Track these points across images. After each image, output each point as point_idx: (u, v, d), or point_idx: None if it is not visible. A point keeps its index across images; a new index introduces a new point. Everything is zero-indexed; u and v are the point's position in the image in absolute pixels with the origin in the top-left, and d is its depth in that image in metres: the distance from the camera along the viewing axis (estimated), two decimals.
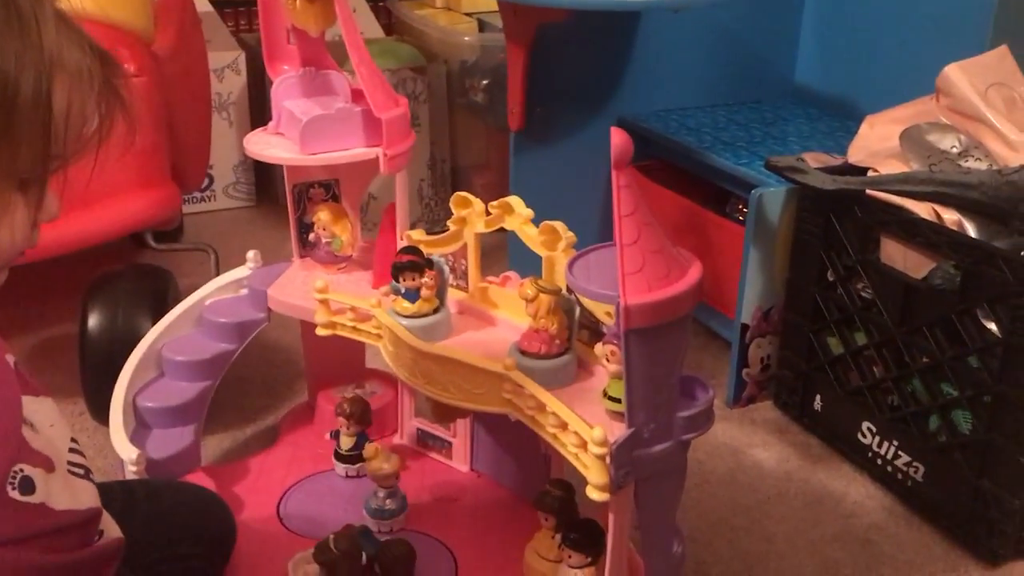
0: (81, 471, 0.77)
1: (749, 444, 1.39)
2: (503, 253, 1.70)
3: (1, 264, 0.66)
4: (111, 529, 0.81)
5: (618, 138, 0.82)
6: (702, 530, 1.19)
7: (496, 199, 1.06)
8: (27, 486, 0.69)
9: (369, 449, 1.11)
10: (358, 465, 1.19)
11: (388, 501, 1.11)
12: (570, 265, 0.89)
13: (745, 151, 1.58)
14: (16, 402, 0.71)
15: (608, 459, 0.84)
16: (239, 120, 2.27)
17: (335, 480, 1.20)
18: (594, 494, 0.86)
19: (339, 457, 1.20)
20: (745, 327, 1.44)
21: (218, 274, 1.40)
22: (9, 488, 0.68)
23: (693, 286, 0.84)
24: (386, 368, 1.36)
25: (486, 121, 2.15)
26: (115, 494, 0.88)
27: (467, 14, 2.28)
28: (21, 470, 0.69)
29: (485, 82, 2.09)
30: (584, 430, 0.87)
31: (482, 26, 2.22)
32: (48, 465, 0.72)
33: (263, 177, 2.33)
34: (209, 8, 2.29)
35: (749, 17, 1.83)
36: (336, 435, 1.21)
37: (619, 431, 0.87)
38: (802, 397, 1.42)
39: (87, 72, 0.64)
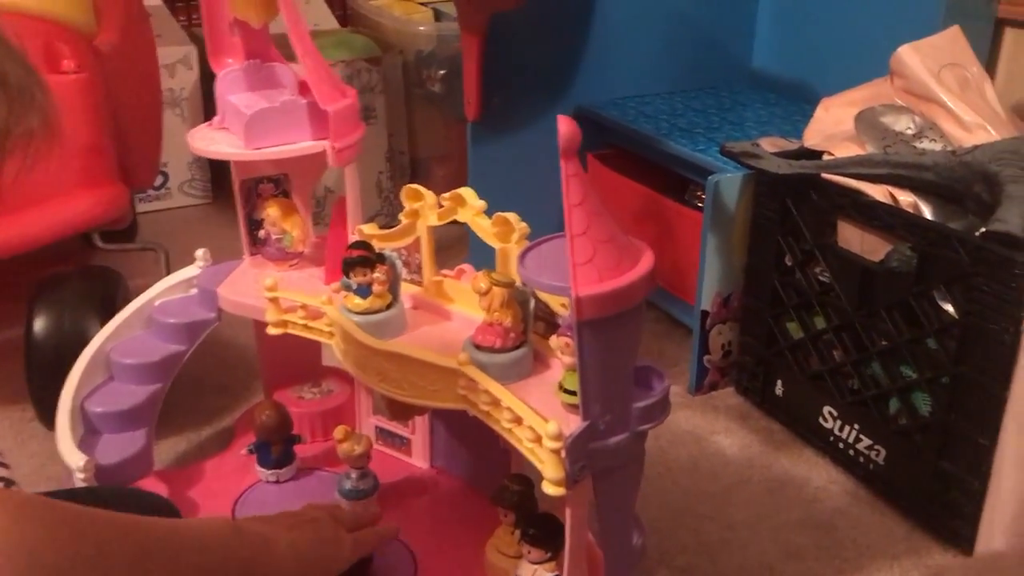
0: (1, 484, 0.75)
1: (711, 431, 1.38)
2: (464, 246, 1.68)
3: None
4: None
5: (565, 126, 0.80)
6: (665, 519, 1.19)
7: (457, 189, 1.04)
8: None
9: (339, 431, 1.10)
10: (286, 468, 1.17)
11: (361, 482, 1.11)
12: (522, 257, 0.87)
13: (702, 137, 1.57)
14: None
15: (563, 453, 0.83)
16: (193, 116, 2.23)
17: (291, 482, 1.18)
18: (550, 489, 0.84)
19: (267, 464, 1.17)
20: (705, 314, 1.43)
21: (168, 274, 1.37)
22: None
23: (645, 275, 0.83)
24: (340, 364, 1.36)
25: (444, 112, 2.12)
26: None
27: (422, 3, 2.25)
28: None
29: (442, 72, 2.06)
30: (539, 424, 0.85)
31: (438, 15, 2.20)
32: None
33: (219, 174, 2.29)
34: (158, 2, 2.24)
35: (705, 2, 1.82)
36: (256, 449, 1.17)
37: (575, 424, 0.85)
38: (763, 383, 1.41)
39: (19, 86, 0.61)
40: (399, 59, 2.11)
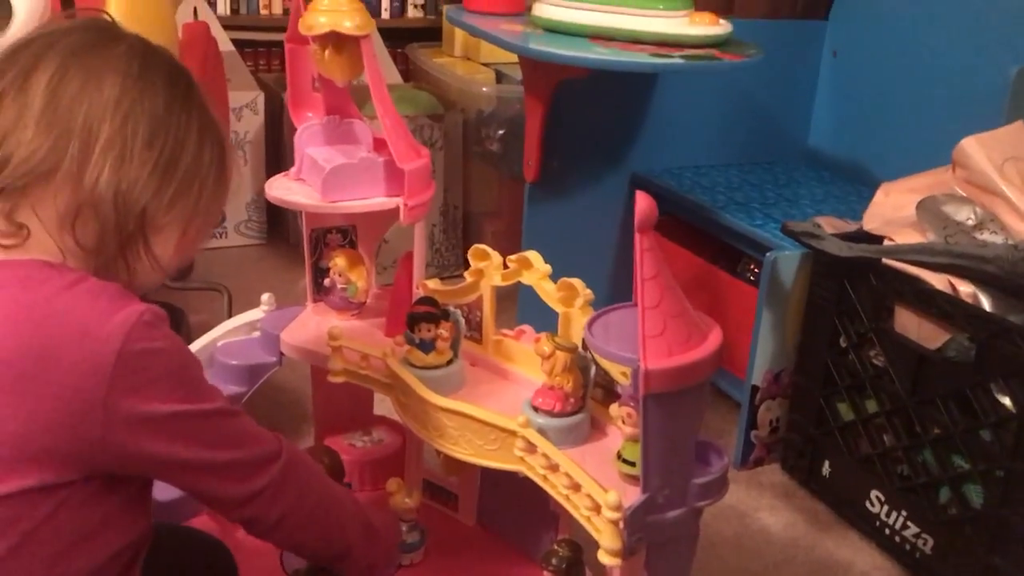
0: None
1: (756, 508, 1.37)
2: (511, 303, 1.70)
3: (159, 283, 0.81)
4: None
5: (643, 202, 0.83)
6: None
7: (507, 247, 1.07)
8: None
9: (392, 483, 1.12)
10: None
11: (410, 535, 1.13)
12: (589, 324, 0.89)
13: (759, 212, 1.59)
14: None
15: (622, 524, 0.84)
16: (254, 159, 2.29)
17: None
18: (606, 559, 0.85)
19: None
20: (755, 389, 1.43)
21: (230, 313, 1.41)
22: None
23: (713, 352, 0.84)
24: (394, 415, 1.37)
25: (500, 170, 2.16)
26: None
27: (485, 64, 2.30)
28: None
29: (501, 132, 2.11)
30: (598, 493, 0.86)
31: (499, 77, 2.25)
32: None
33: (275, 216, 2.35)
34: (231, 47, 2.31)
35: (765, 79, 1.85)
36: None
37: (632, 495, 0.86)
38: (810, 462, 1.41)
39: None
40: (460, 117, 2.16)
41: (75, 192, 0.72)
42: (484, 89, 2.15)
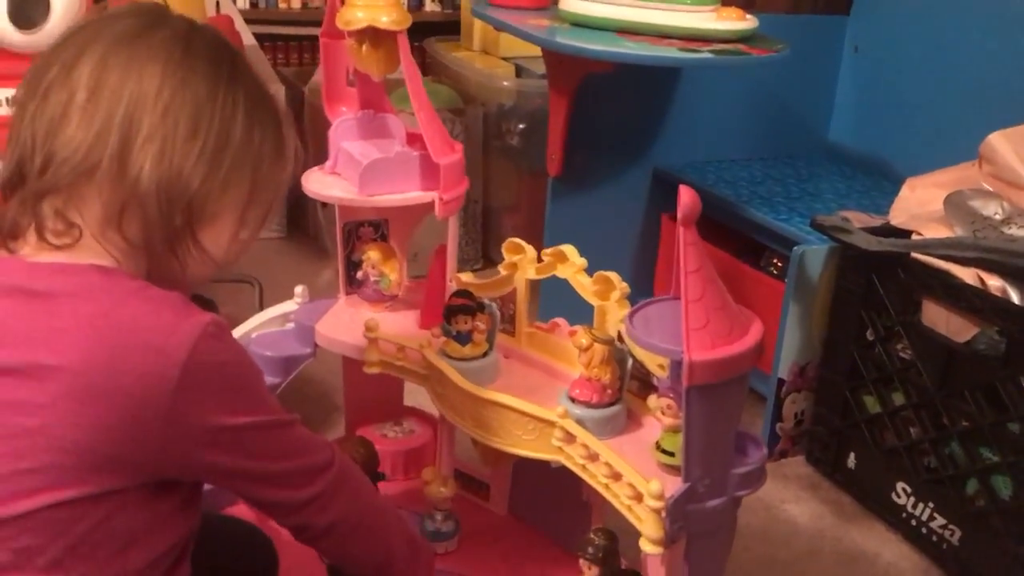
0: None
1: (782, 499, 1.39)
2: (533, 296, 1.71)
3: (214, 274, 0.79)
4: None
5: (687, 196, 0.84)
6: None
7: (526, 241, 1.08)
8: None
9: (428, 472, 1.13)
10: None
11: (444, 524, 1.15)
12: (630, 317, 0.90)
13: (783, 207, 1.60)
14: None
15: (664, 513, 0.85)
16: None
17: None
18: (648, 547, 0.86)
19: None
20: (781, 382, 1.44)
21: (261, 306, 1.42)
22: None
23: (754, 345, 0.85)
24: (423, 407, 1.39)
25: (519, 165, 2.17)
26: None
27: (504, 58, 2.31)
28: None
29: (521, 126, 2.12)
30: (640, 483, 0.87)
31: (519, 71, 2.26)
32: None
33: (296, 210, 2.36)
34: (253, 41, 2.33)
35: (786, 74, 1.86)
36: None
37: (672, 484, 0.88)
38: (836, 454, 1.42)
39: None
40: (480, 111, 2.17)
41: (118, 188, 0.71)
42: (504, 83, 2.16)
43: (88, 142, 0.70)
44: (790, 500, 1.39)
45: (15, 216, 0.72)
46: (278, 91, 2.27)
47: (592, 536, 1.06)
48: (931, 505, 1.27)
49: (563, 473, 1.08)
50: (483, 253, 2.26)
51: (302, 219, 2.36)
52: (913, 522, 1.29)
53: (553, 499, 1.20)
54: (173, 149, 0.72)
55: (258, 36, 2.45)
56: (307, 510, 0.81)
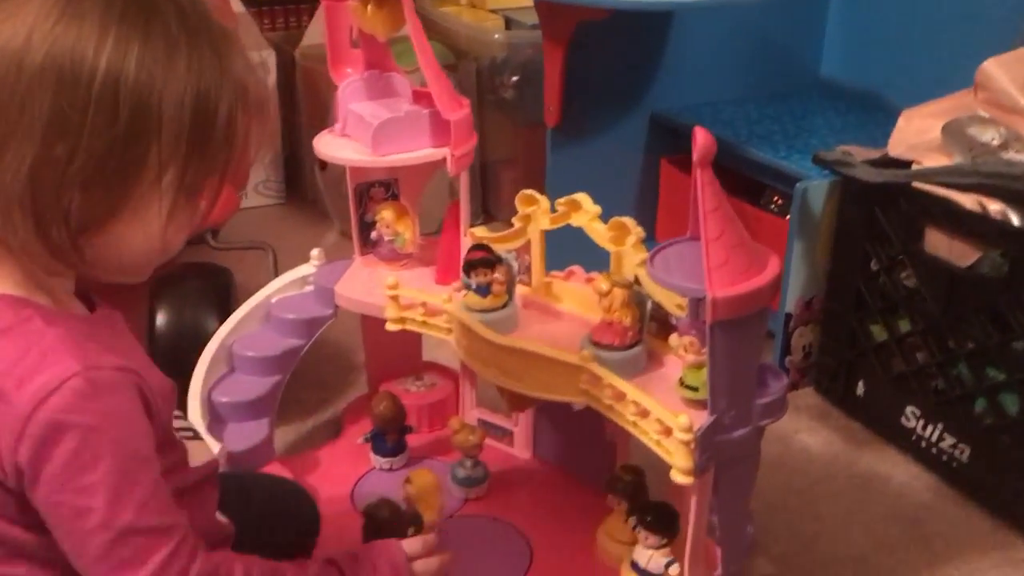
0: (191, 433, 0.82)
1: (795, 430, 1.43)
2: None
3: (156, 263, 0.71)
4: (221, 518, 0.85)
5: (702, 138, 0.86)
6: (758, 512, 1.23)
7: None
8: None
9: (455, 422, 1.17)
10: (399, 457, 1.24)
11: (474, 470, 1.18)
12: (651, 259, 0.93)
13: (783, 145, 1.62)
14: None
15: (693, 444, 0.89)
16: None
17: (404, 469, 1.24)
18: (679, 478, 0.90)
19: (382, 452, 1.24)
20: (788, 316, 1.48)
21: (276, 271, 1.44)
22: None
23: (773, 279, 0.88)
24: (443, 361, 1.42)
25: (515, 118, 2.18)
26: None
27: (492, 11, 2.30)
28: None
29: (514, 79, 2.12)
30: (668, 417, 0.91)
31: (508, 23, 2.25)
32: None
33: (293, 175, 2.37)
34: (241, 8, 2.31)
35: (775, 11, 1.87)
36: (371, 438, 1.24)
37: (698, 418, 0.91)
38: (844, 383, 1.46)
39: (260, 103, 0.70)
40: (473, 66, 2.17)
41: None
42: (495, 36, 2.15)
43: None
44: (803, 430, 1.43)
45: None
46: (268, 56, 2.27)
47: (620, 472, 1.10)
48: (940, 426, 1.31)
49: (585, 415, 1.12)
50: (483, 208, 2.28)
51: (300, 185, 2.37)
52: (923, 444, 1.34)
53: (577, 441, 1.24)
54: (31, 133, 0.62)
55: (249, 1, 2.43)
56: None
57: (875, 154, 1.44)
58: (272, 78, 2.29)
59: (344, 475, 1.23)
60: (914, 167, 1.32)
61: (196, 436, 0.83)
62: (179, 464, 0.77)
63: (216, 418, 1.22)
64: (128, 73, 0.62)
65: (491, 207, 2.28)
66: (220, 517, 0.86)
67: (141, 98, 0.62)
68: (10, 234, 0.64)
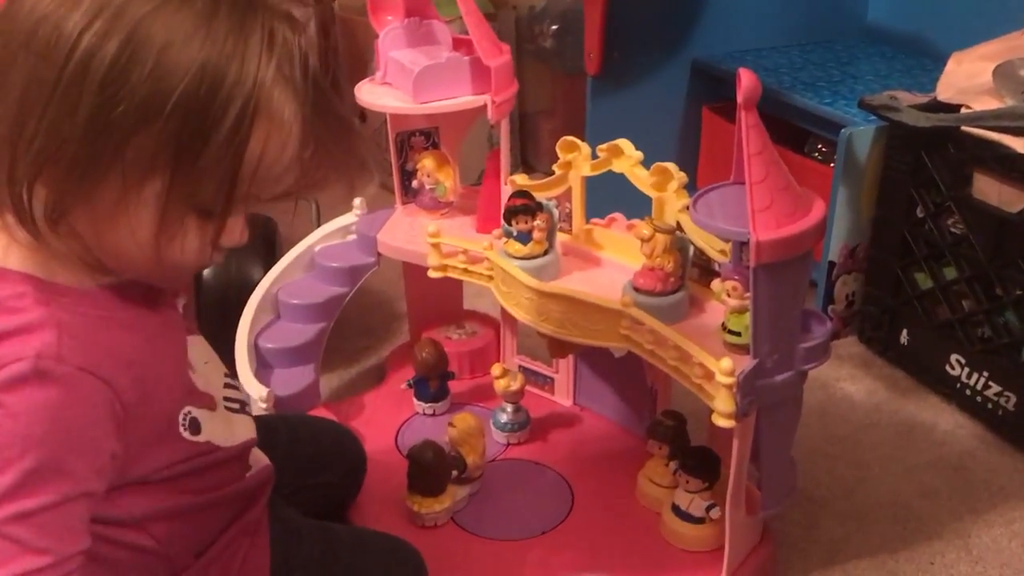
0: (236, 406, 0.83)
1: (837, 378, 1.43)
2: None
3: (171, 276, 0.68)
4: (259, 458, 0.87)
5: (747, 79, 0.85)
6: (800, 459, 1.23)
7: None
8: (195, 427, 0.75)
9: (497, 368, 1.18)
10: (442, 402, 1.26)
11: (515, 416, 1.20)
12: (693, 203, 0.93)
13: (827, 91, 1.59)
14: (183, 346, 0.77)
15: (735, 388, 0.89)
16: None
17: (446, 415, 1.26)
18: (721, 421, 0.91)
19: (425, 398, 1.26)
20: (832, 264, 1.47)
21: (319, 222, 1.46)
22: (181, 429, 0.74)
23: (818, 222, 0.88)
24: (484, 310, 1.43)
25: (554, 67, 2.16)
26: (258, 429, 0.94)
27: None
28: (189, 412, 0.74)
29: (554, 27, 2.10)
30: (710, 361, 0.91)
31: None
32: (210, 404, 0.78)
33: None
34: None
35: None
36: (415, 384, 1.26)
37: (740, 362, 0.91)
38: (888, 332, 1.45)
39: (292, 127, 0.62)
40: (512, 15, 2.15)
41: None
42: None
43: None
44: (845, 379, 1.43)
45: None
46: (305, 13, 2.26)
47: (661, 418, 1.11)
48: (985, 374, 1.30)
49: (626, 362, 1.13)
50: (521, 159, 2.28)
51: None
52: (968, 392, 1.33)
53: (618, 387, 1.24)
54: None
55: None
56: None
57: (922, 99, 1.41)
58: (312, 29, 2.29)
59: (388, 420, 1.26)
60: (963, 111, 1.29)
61: (242, 410, 0.83)
62: (192, 455, 0.74)
63: (263, 364, 1.24)
64: (106, 55, 0.57)
65: (530, 158, 2.27)
66: (259, 456, 0.87)
67: (115, 86, 0.57)
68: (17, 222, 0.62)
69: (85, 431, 0.63)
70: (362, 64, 2.02)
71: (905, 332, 1.42)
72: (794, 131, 1.65)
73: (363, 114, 2.09)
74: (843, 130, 1.40)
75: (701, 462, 1.02)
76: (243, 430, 0.83)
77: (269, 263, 1.34)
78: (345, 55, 2.27)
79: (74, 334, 0.63)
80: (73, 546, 0.62)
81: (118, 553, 0.71)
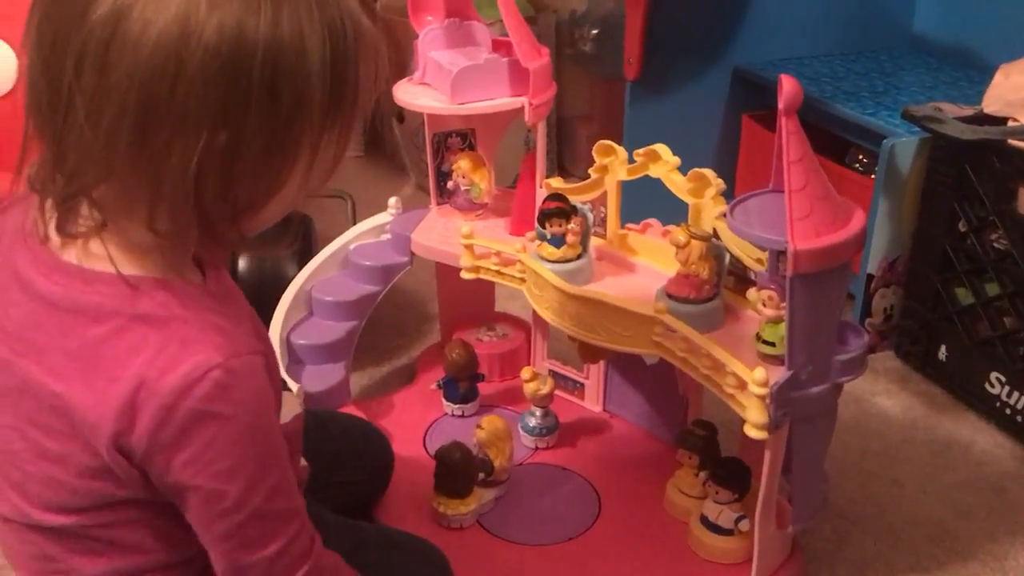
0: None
1: (872, 392, 1.40)
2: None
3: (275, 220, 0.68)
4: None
5: (788, 85, 0.84)
6: (832, 473, 1.21)
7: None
8: None
9: (527, 371, 1.18)
10: (471, 404, 1.26)
11: (544, 420, 1.20)
12: (731, 210, 0.92)
13: (870, 101, 1.57)
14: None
15: (768, 399, 0.87)
16: None
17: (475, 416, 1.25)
18: (752, 432, 0.89)
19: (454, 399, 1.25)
20: (870, 277, 1.44)
21: (354, 220, 1.46)
22: None
23: (857, 233, 0.86)
24: (515, 312, 1.43)
25: (593, 72, 2.15)
26: None
27: None
28: None
29: (594, 32, 2.09)
30: (744, 371, 0.90)
31: None
32: None
33: (372, 128, 2.38)
34: None
35: None
36: (444, 384, 1.25)
37: (774, 373, 0.90)
38: (926, 347, 1.42)
39: (379, 46, 0.64)
40: (553, 19, 2.15)
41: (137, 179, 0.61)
42: None
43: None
44: (880, 393, 1.40)
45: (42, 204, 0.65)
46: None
47: (692, 427, 1.10)
48: None
49: (658, 369, 1.12)
50: (558, 163, 2.27)
51: (378, 138, 2.38)
52: (1007, 410, 1.30)
53: (649, 395, 1.23)
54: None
55: None
56: None
57: (968, 111, 1.39)
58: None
59: (417, 419, 1.25)
60: (1010, 124, 1.27)
61: (284, 387, 0.84)
62: None
63: (295, 359, 1.25)
64: (283, 43, 0.58)
65: (567, 163, 2.26)
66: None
67: (297, 70, 0.58)
68: (176, 228, 0.62)
69: (271, 401, 0.68)
70: (403, 64, 2.03)
71: (944, 348, 1.40)
72: (835, 141, 1.63)
73: (401, 114, 2.10)
74: (885, 141, 1.38)
75: (731, 473, 1.01)
76: (289, 405, 0.84)
77: (304, 260, 1.34)
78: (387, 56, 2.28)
79: (219, 327, 0.64)
80: (302, 500, 0.70)
81: (169, 527, 0.70)
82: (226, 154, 0.59)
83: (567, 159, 2.27)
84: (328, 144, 0.63)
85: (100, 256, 0.64)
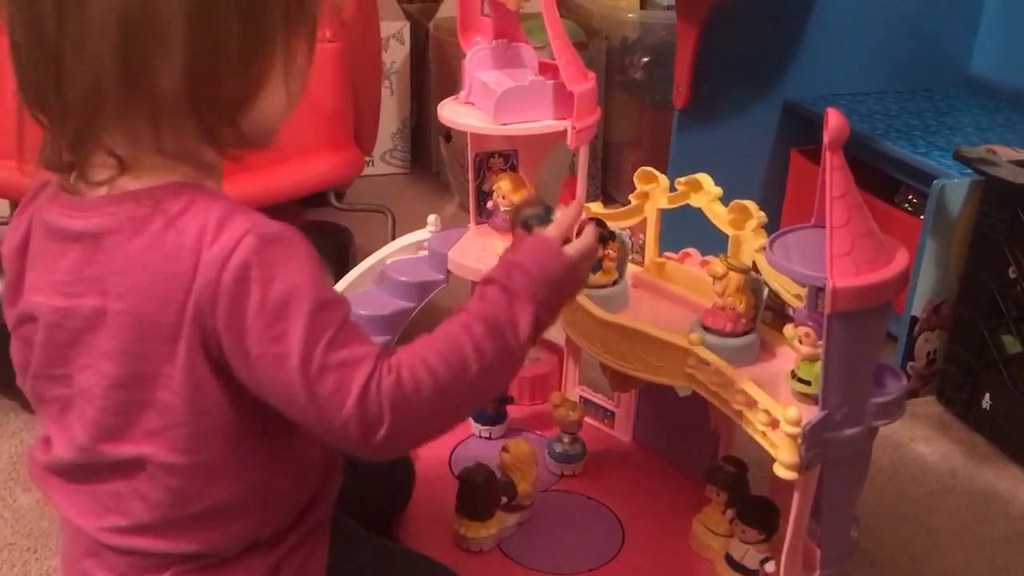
0: None
1: (911, 438, 1.37)
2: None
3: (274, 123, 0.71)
4: None
5: (834, 119, 0.83)
6: (865, 518, 1.18)
7: None
8: None
9: (556, 397, 1.16)
10: (498, 426, 1.24)
11: (571, 446, 1.18)
12: (770, 244, 0.90)
13: (922, 141, 1.54)
14: None
15: (800, 439, 0.85)
16: (400, 89, 2.34)
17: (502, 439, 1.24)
18: (782, 472, 0.87)
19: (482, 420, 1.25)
20: (914, 320, 1.41)
21: (394, 235, 1.47)
22: None
23: (900, 273, 0.84)
24: (548, 336, 1.41)
25: (642, 99, 2.15)
26: None
27: None
28: None
29: (645, 59, 2.09)
30: (776, 409, 0.88)
31: (643, 2, 2.22)
32: None
33: (419, 146, 2.40)
34: None
35: (927, 2, 1.78)
36: None
37: (807, 412, 0.88)
38: (969, 394, 1.39)
39: None
40: (604, 44, 2.15)
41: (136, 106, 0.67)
42: (629, 15, 2.13)
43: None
44: (919, 439, 1.37)
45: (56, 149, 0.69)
46: (403, 28, 2.31)
47: (722, 463, 1.07)
48: None
49: (690, 402, 1.10)
50: (602, 189, 2.26)
51: (424, 156, 2.40)
52: None
53: (679, 428, 1.21)
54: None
55: None
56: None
57: (1022, 154, 1.36)
58: (406, 49, 2.33)
59: (444, 439, 1.22)
60: None
61: None
62: None
63: None
64: None
65: (611, 189, 2.26)
66: None
67: None
68: (181, 144, 0.66)
69: (316, 265, 0.69)
70: (452, 85, 2.04)
71: (988, 396, 1.36)
72: (885, 180, 1.61)
73: (449, 133, 2.11)
74: (935, 181, 1.35)
75: (760, 512, 0.99)
76: None
77: (341, 271, 1.34)
78: (436, 76, 2.30)
79: (248, 210, 0.67)
80: (371, 342, 0.70)
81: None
82: (209, 56, 0.64)
83: (611, 185, 2.26)
84: (299, 27, 0.69)
85: (124, 185, 0.68)
